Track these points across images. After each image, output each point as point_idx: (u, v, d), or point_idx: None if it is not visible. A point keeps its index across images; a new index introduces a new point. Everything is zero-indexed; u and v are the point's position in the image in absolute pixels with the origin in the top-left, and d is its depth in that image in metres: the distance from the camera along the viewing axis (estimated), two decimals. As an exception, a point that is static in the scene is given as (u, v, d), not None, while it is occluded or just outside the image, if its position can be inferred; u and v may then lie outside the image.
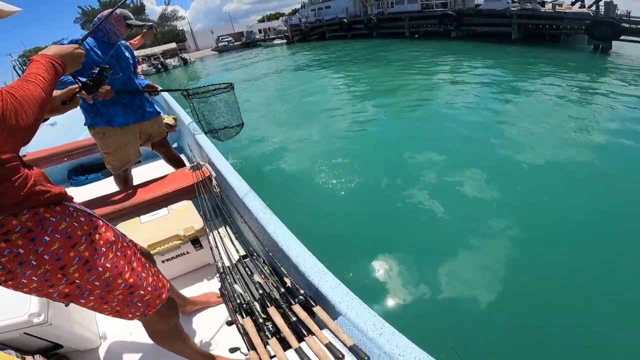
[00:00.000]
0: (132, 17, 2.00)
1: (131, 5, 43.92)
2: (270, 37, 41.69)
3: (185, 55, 33.18)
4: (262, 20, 58.66)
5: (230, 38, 44.57)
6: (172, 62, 30.33)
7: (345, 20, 29.08)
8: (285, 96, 9.11)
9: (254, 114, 7.81)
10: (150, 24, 3.04)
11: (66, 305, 0.98)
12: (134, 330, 1.51)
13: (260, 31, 46.29)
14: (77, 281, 0.84)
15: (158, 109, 2.41)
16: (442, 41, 19.09)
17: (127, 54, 2.11)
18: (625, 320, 2.02)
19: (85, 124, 2.10)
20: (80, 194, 2.90)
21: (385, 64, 13.44)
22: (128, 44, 2.23)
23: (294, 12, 48.86)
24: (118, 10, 1.85)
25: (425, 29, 22.48)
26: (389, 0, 25.98)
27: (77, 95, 1.11)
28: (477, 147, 4.46)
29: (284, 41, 35.75)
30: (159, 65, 28.18)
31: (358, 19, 28.23)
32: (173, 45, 36.32)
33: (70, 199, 0.90)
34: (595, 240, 2.67)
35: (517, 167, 3.88)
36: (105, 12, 1.54)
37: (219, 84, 2.24)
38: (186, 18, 52.10)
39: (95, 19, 1.79)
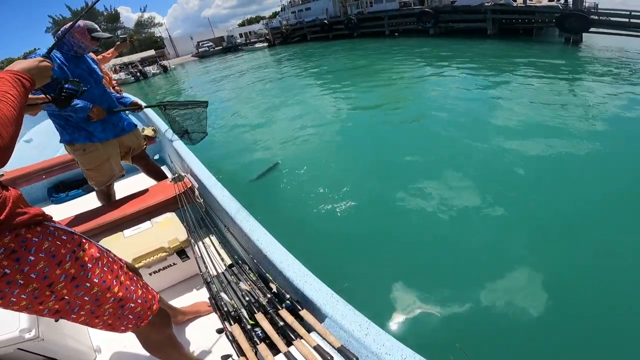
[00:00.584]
0: (98, 29, 1.91)
1: (105, 14, 42.93)
2: (252, 40, 41.53)
3: (165, 62, 32.52)
4: (242, 24, 58.42)
5: (211, 43, 44.04)
6: (151, 69, 29.69)
7: (325, 21, 29.22)
8: (268, 103, 9.04)
9: (236, 122, 7.73)
10: (124, 35, 3.00)
11: (56, 321, 0.98)
12: (128, 343, 1.51)
13: (241, 35, 45.96)
14: (66, 297, 0.85)
15: (136, 121, 2.39)
16: (421, 38, 19.38)
17: (95, 66, 2.05)
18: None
19: (61, 141, 2.04)
20: (61, 211, 2.83)
21: (368, 65, 13.55)
22: (93, 56, 2.15)
23: (275, 15, 48.77)
24: (82, 23, 1.78)
25: (404, 27, 22.84)
26: (368, 0, 26.24)
27: (40, 104, 1.08)
28: (463, 147, 4.48)
29: (266, 44, 35.66)
30: (138, 74, 27.45)
31: (338, 20, 28.38)
32: (152, 52, 35.64)
33: (50, 218, 0.90)
34: (599, 238, 2.59)
35: (507, 162, 3.91)
36: (68, 25, 1.49)
37: (196, 100, 2.36)
38: (164, 24, 51.37)
39: (59, 32, 1.72)
